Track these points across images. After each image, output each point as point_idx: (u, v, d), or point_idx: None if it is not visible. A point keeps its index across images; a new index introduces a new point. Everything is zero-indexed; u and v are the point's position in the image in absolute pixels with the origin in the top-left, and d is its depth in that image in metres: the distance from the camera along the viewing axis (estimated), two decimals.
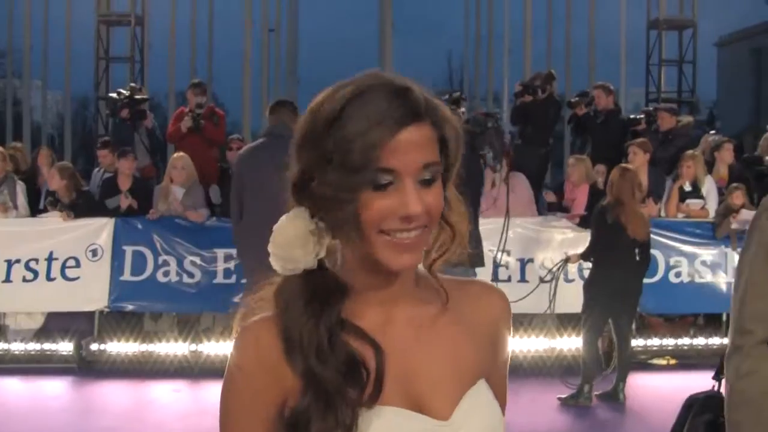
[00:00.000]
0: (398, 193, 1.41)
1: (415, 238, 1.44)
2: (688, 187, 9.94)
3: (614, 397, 8.09)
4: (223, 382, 1.51)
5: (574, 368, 8.93)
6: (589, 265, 8.33)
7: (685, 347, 9.65)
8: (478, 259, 7.98)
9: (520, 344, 9.39)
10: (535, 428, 7.53)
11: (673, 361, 9.29)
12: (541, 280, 8.95)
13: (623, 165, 8.44)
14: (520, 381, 8.81)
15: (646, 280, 8.50)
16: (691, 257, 9.62)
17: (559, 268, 8.72)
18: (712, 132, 12.91)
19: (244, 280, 8.54)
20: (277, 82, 20.41)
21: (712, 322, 10.04)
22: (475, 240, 8.03)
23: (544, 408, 8.07)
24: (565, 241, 9.55)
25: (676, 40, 19.49)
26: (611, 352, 9.22)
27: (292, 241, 1.49)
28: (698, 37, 19.56)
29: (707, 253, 9.73)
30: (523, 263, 9.25)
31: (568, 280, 9.19)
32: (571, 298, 8.66)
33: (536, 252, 9.04)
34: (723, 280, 9.69)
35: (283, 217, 1.53)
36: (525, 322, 9.48)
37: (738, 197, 9.63)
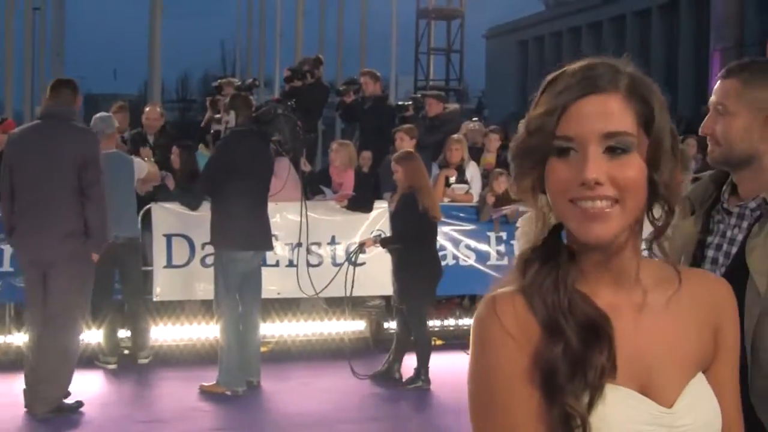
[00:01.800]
0: (580, 161, 1.44)
1: (604, 210, 1.44)
2: (452, 179, 10.14)
3: (407, 380, 8.24)
4: (475, 358, 1.49)
5: (342, 351, 9.03)
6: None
7: (451, 328, 9.88)
8: (267, 242, 7.94)
9: (288, 329, 9.36)
10: (304, 410, 7.53)
11: (439, 342, 9.48)
12: (308, 264, 9.00)
13: (407, 150, 8.51)
14: (290, 365, 8.81)
15: None
16: (456, 241, 9.85)
17: (355, 253, 8.76)
18: (474, 119, 13.28)
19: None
20: (42, 63, 19.59)
21: (477, 304, 10.31)
22: (265, 225, 7.95)
23: (315, 391, 8.08)
24: (333, 223, 9.57)
25: (444, 29, 19.98)
26: (378, 334, 9.38)
27: (528, 221, 1.58)
28: (468, 28, 20.13)
29: (472, 237, 9.97)
30: (292, 247, 9.19)
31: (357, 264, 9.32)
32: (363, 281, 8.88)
33: (304, 235, 8.97)
34: (488, 263, 9.97)
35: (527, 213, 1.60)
36: (294, 305, 9.44)
37: (501, 183, 9.92)
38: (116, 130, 8.91)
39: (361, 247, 8.72)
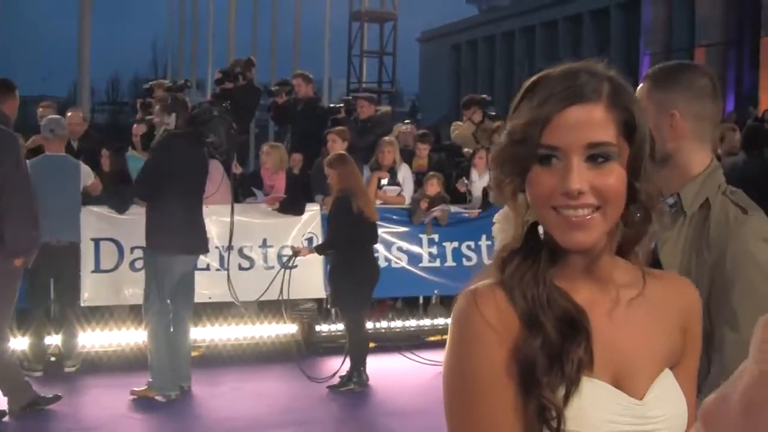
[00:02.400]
0: (563, 170, 1.47)
1: (585, 218, 1.48)
2: (384, 181, 10.15)
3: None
4: (454, 351, 1.51)
5: (272, 355, 8.98)
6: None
7: (384, 330, 9.87)
8: (203, 246, 7.84)
9: (219, 333, 9.27)
10: (236, 415, 7.46)
11: (372, 344, 9.45)
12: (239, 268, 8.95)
13: (339, 153, 8.46)
14: (221, 369, 8.74)
15: None
16: (388, 243, 9.84)
17: (290, 259, 8.70)
18: (407, 121, 13.32)
19: None
20: None
21: (410, 306, 10.32)
22: (201, 228, 7.85)
23: (247, 395, 8.01)
24: (264, 226, 9.51)
25: (377, 32, 20.01)
26: (310, 337, 9.33)
27: (504, 220, 1.60)
28: (401, 32, 20.17)
29: (404, 239, 9.98)
30: (223, 251, 9.10)
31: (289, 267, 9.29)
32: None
33: (236, 238, 8.89)
34: (420, 265, 9.99)
35: (500, 215, 1.63)
36: (225, 309, 9.36)
37: (433, 185, 9.94)
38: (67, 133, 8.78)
39: (296, 255, 8.68)
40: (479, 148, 10.63)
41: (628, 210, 1.55)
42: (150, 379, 7.73)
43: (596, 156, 1.48)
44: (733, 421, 0.64)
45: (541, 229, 1.56)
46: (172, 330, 7.78)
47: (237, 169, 9.65)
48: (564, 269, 1.54)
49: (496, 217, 1.63)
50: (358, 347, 8.16)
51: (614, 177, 1.50)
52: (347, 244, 7.99)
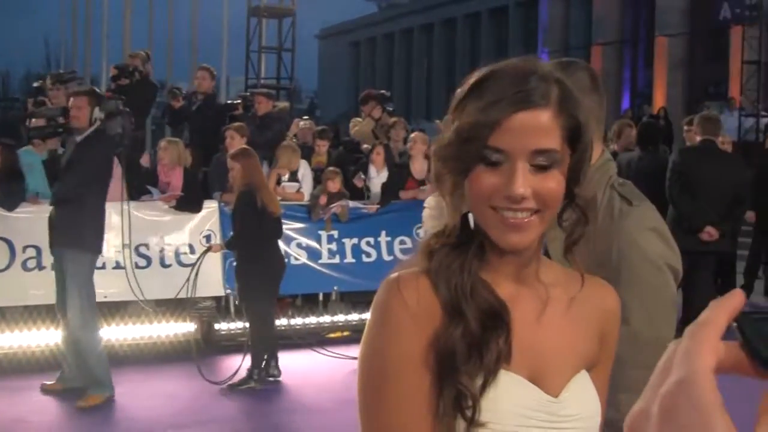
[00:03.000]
0: (507, 173, 1.48)
1: (524, 220, 1.50)
2: (284, 178, 10.10)
3: (269, 375, 8.18)
4: (372, 335, 1.53)
5: (171, 355, 8.87)
6: None
7: (284, 327, 9.80)
8: (97, 246, 7.69)
9: (116, 332, 9.09)
10: (134, 416, 7.35)
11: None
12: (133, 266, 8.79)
13: (244, 147, 8.35)
14: (119, 369, 8.57)
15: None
16: (288, 239, 9.79)
17: (200, 257, 8.64)
18: (305, 117, 13.30)
19: None
20: None
21: (309, 303, 10.29)
22: (101, 226, 7.68)
23: (146, 396, 7.90)
24: (161, 224, 9.38)
25: (276, 28, 19.90)
26: (209, 336, 9.24)
27: (431, 212, 1.60)
28: (300, 28, 20.10)
29: (303, 235, 9.95)
30: (118, 249, 8.92)
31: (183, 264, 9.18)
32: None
33: (132, 236, 8.74)
34: (319, 262, 9.97)
35: (430, 200, 1.60)
36: (121, 309, 9.20)
37: (332, 182, 9.93)
38: None
39: (207, 252, 8.61)
40: (377, 144, 10.65)
41: (563, 213, 1.59)
42: (91, 387, 7.56)
43: (540, 162, 1.50)
44: (653, 429, 0.65)
45: (471, 221, 1.57)
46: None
47: (146, 163, 9.54)
48: (491, 264, 1.56)
49: (428, 202, 1.68)
50: (262, 344, 8.10)
51: (555, 182, 1.51)
52: (254, 239, 7.94)
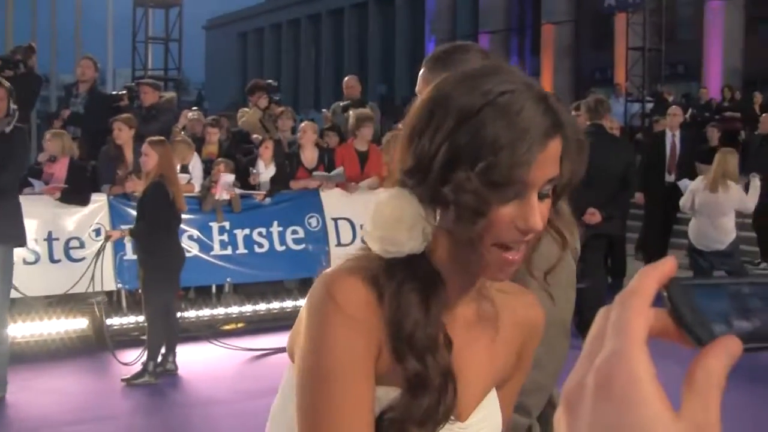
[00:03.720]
0: (520, 205, 1.36)
1: (521, 252, 1.40)
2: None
3: (166, 370, 8.07)
4: (312, 334, 1.42)
5: (63, 351, 8.71)
6: None
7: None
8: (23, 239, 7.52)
9: (21, 330, 8.86)
10: (27, 415, 7.19)
11: None
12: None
13: (157, 138, 8.16)
14: (9, 369, 8.37)
15: (132, 257, 8.68)
16: (179, 232, 9.66)
17: (105, 242, 8.57)
18: (194, 108, 13.18)
19: None
20: None
21: (202, 295, 10.21)
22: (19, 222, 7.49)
23: (38, 394, 7.73)
24: (47, 218, 9.16)
25: (162, 18, 19.63)
26: (102, 331, 9.08)
27: (396, 224, 1.39)
28: (186, 18, 19.86)
29: (194, 227, 9.85)
30: None
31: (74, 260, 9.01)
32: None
33: None
34: (211, 253, 9.88)
35: (384, 196, 1.42)
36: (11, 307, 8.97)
37: (222, 171, 9.86)
38: None
39: (107, 240, 8.52)
40: (266, 139, 10.58)
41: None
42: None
43: (545, 190, 1.39)
44: (588, 400, 0.65)
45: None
46: None
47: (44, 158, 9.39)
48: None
49: (382, 195, 1.44)
50: (159, 336, 8.01)
51: (548, 207, 1.41)
52: (160, 229, 7.85)
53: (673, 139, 12.22)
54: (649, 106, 20.76)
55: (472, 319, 1.54)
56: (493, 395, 1.59)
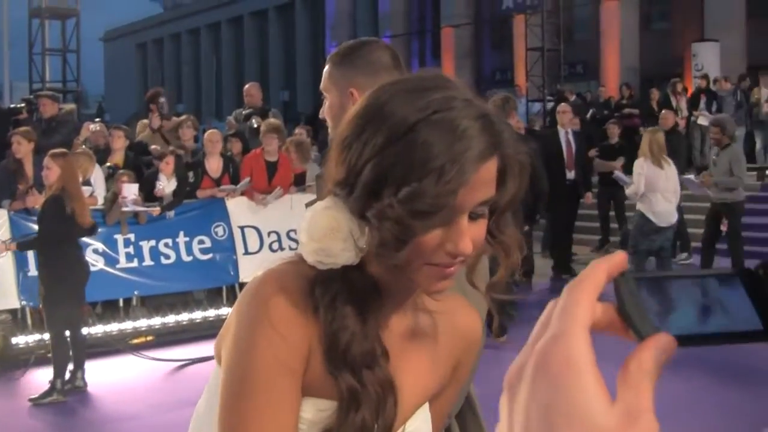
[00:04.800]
0: (449, 229, 1.31)
1: (455, 267, 1.36)
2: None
3: (75, 387, 7.88)
4: (238, 339, 1.37)
5: None
6: None
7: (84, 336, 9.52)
8: None
9: None
10: None
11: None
12: None
13: (59, 151, 7.95)
14: None
15: (35, 273, 8.47)
16: (84, 245, 9.32)
17: None
18: (97, 120, 12.98)
19: None
20: None
21: (110, 309, 10.03)
22: None
23: None
24: None
25: (59, 29, 19.28)
26: (6, 350, 8.88)
27: (330, 234, 1.34)
28: (85, 30, 19.55)
29: (99, 240, 9.62)
30: None
31: None
32: None
33: None
34: (117, 266, 9.71)
35: (318, 206, 1.37)
36: None
37: (125, 182, 9.71)
38: None
39: None
40: (168, 153, 10.31)
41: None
42: None
43: (479, 211, 1.34)
44: (526, 380, 0.65)
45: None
46: None
47: None
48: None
49: (311, 210, 1.38)
50: (65, 353, 7.83)
51: (484, 227, 1.36)
52: (56, 245, 7.66)
53: (567, 136, 12.39)
54: (551, 105, 21.09)
55: (408, 332, 1.50)
56: (425, 410, 1.57)
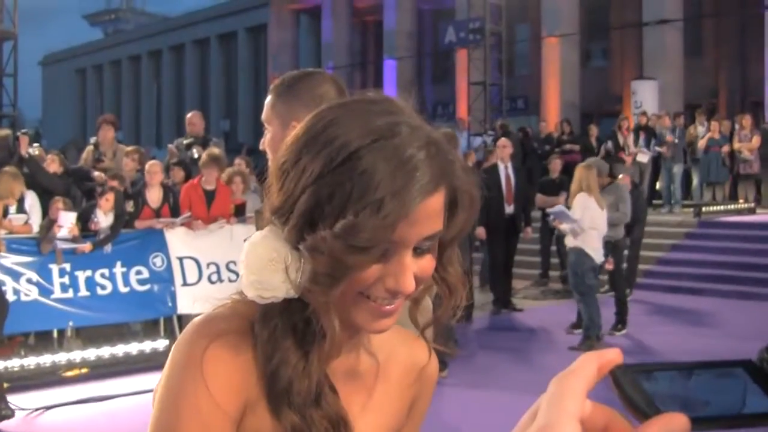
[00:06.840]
0: (390, 263, 1.22)
1: (397, 305, 1.26)
2: (12, 209, 9.58)
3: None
4: (169, 394, 1.25)
5: None
6: None
7: (16, 369, 9.27)
8: None
9: None
10: None
11: (6, 384, 8.88)
12: None
13: None
14: None
15: None
16: (17, 274, 9.29)
17: None
18: (36, 144, 12.80)
19: None
20: None
21: (43, 341, 9.80)
22: None
23: None
24: None
25: None
26: None
27: (269, 266, 1.24)
28: (22, 54, 19.31)
29: (33, 270, 9.46)
30: None
31: None
32: None
33: None
34: (52, 297, 9.51)
35: (257, 237, 1.26)
36: None
37: (60, 208, 9.52)
38: None
39: None
40: (108, 190, 10.08)
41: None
42: None
43: (424, 246, 1.25)
44: None
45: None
46: None
47: None
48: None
49: (253, 238, 1.29)
50: None
51: (431, 261, 1.27)
52: None
53: (506, 171, 12.43)
54: (491, 139, 21.23)
55: (352, 370, 1.40)
56: None
